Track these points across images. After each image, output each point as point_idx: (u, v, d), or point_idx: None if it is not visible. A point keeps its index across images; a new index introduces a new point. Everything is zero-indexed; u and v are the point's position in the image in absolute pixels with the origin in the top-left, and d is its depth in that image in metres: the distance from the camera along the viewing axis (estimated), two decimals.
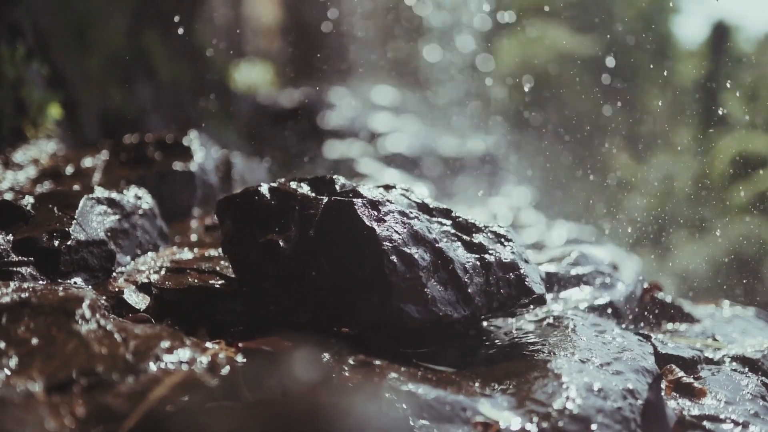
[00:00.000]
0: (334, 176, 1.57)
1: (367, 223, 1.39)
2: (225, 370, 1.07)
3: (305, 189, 1.54)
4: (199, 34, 8.16)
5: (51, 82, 4.25)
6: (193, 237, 2.09)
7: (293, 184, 1.55)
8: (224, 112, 7.15)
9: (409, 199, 1.56)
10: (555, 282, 1.84)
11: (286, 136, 6.89)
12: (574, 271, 1.88)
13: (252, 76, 9.27)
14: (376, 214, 1.43)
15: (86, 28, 5.32)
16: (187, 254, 1.82)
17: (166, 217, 2.21)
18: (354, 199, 1.44)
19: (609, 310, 1.77)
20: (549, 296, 1.80)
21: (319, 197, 1.50)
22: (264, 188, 1.55)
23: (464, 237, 1.51)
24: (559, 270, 1.87)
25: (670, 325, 1.99)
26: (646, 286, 2.13)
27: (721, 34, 19.87)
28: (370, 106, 8.46)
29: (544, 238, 3.81)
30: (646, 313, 1.98)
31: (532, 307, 1.53)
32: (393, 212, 1.44)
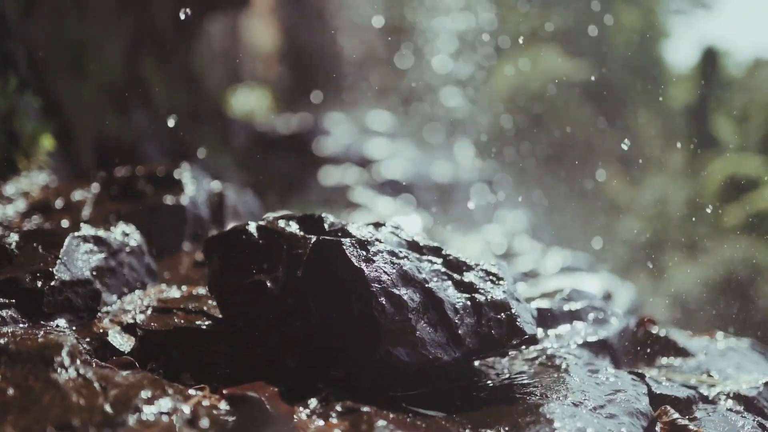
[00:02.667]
0: (323, 214, 1.55)
1: (356, 264, 1.37)
2: (205, 423, 1.04)
3: (293, 228, 1.52)
4: (197, 61, 8.22)
5: (46, 110, 4.25)
6: (182, 273, 2.07)
7: (281, 223, 1.54)
8: (221, 139, 7.16)
9: (399, 237, 1.54)
10: (548, 318, 1.82)
11: (282, 163, 6.90)
12: (567, 307, 1.86)
13: (249, 102, 9.32)
14: (364, 254, 1.41)
15: (82, 56, 5.35)
16: (174, 292, 1.80)
17: (156, 252, 2.19)
18: (342, 239, 1.42)
19: (602, 347, 1.75)
20: (541, 332, 1.78)
21: (307, 236, 1.48)
22: (252, 227, 1.53)
23: (454, 276, 1.49)
24: (551, 306, 1.85)
25: (664, 360, 1.97)
26: (640, 320, 2.10)
27: (710, 59, 20.12)
28: (366, 131, 8.49)
29: (538, 266, 3.79)
30: (639, 348, 1.96)
31: (524, 347, 1.50)
32: (382, 252, 1.43)
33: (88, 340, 1.55)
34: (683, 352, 1.99)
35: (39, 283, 1.57)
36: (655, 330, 2.07)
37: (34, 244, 1.71)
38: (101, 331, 1.59)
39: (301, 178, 6.13)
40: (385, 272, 1.38)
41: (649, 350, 1.97)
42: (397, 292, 1.35)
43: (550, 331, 1.78)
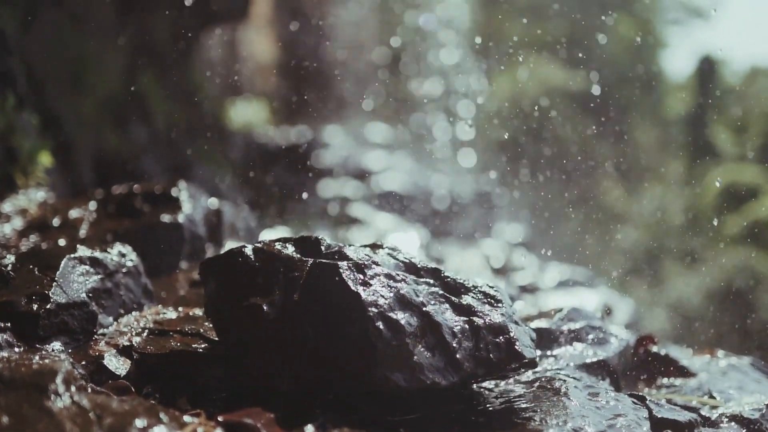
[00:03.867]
0: (320, 237, 1.54)
1: (353, 288, 1.36)
2: None
3: (290, 250, 1.52)
4: (195, 75, 8.24)
5: (45, 125, 4.25)
6: (179, 293, 2.06)
7: (278, 245, 1.53)
8: (219, 152, 7.17)
9: (397, 259, 1.53)
10: (547, 338, 1.81)
11: (280, 175, 6.90)
12: (566, 327, 1.85)
13: (247, 115, 9.33)
14: (361, 277, 1.40)
15: (81, 71, 5.36)
16: (171, 314, 1.79)
17: (153, 271, 2.18)
18: (339, 263, 1.42)
19: (602, 369, 1.73)
20: (540, 353, 1.77)
21: (304, 259, 1.47)
22: (248, 249, 1.52)
23: (453, 298, 1.48)
24: (550, 326, 1.83)
25: (665, 380, 1.95)
26: (639, 338, 2.09)
27: (708, 68, 20.21)
28: (364, 143, 8.51)
29: (536, 279, 3.78)
30: (640, 368, 1.94)
31: (522, 370, 1.49)
32: (379, 275, 1.42)
33: (83, 363, 1.54)
34: (684, 372, 1.98)
35: (35, 306, 1.56)
36: (655, 349, 2.06)
37: (30, 266, 1.70)
38: (97, 354, 1.58)
39: (299, 191, 6.13)
40: (382, 296, 1.37)
41: (649, 370, 1.95)
42: (395, 317, 1.35)
43: (550, 352, 1.77)
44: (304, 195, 6.01)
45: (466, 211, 6.75)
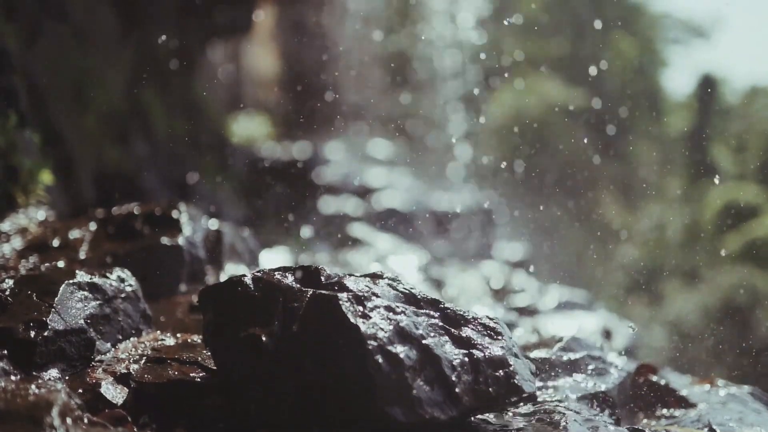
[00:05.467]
0: (320, 267, 1.54)
1: (352, 321, 1.36)
2: None
3: (290, 280, 1.51)
4: (197, 89, 8.28)
5: (47, 141, 4.26)
6: (178, 317, 2.05)
7: (278, 275, 1.53)
8: (221, 167, 7.18)
9: (397, 290, 1.53)
10: (546, 369, 1.80)
11: (281, 191, 6.91)
12: (565, 357, 1.84)
13: (250, 130, 9.36)
14: (361, 309, 1.40)
15: (83, 86, 5.38)
16: (169, 340, 1.78)
17: (152, 294, 2.17)
18: (339, 294, 1.41)
19: (602, 400, 1.72)
20: (540, 384, 1.76)
21: (304, 290, 1.47)
22: (248, 279, 1.52)
23: (452, 330, 1.47)
24: (550, 356, 1.83)
25: (665, 411, 1.94)
26: (639, 367, 2.08)
27: (708, 87, 20.30)
28: (365, 159, 8.53)
29: (535, 301, 3.77)
30: (639, 398, 1.93)
31: (522, 404, 1.48)
32: (379, 307, 1.42)
33: (80, 391, 1.53)
34: (684, 402, 1.96)
35: (32, 334, 1.55)
36: (654, 378, 2.05)
37: (29, 292, 1.70)
38: (94, 381, 1.57)
39: (299, 208, 6.13)
40: (381, 329, 1.37)
41: (649, 400, 1.94)
42: (394, 350, 1.34)
43: (549, 383, 1.76)
44: (305, 212, 6.02)
45: (466, 230, 6.75)
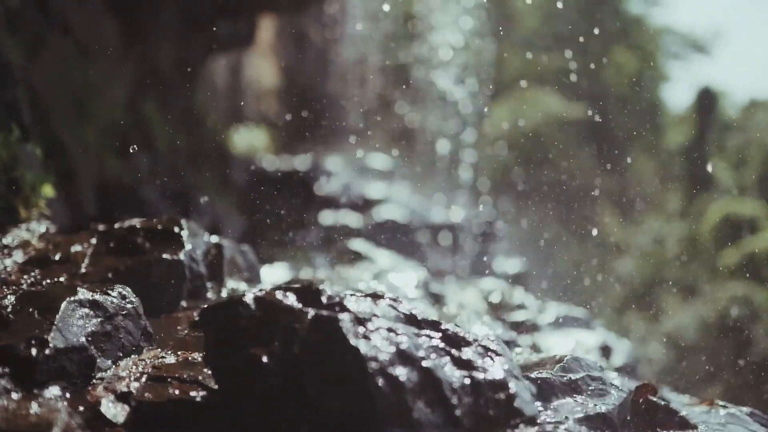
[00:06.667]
0: (321, 287, 1.55)
1: (353, 343, 1.36)
2: None
3: (291, 300, 1.52)
4: (199, 101, 8.32)
5: (49, 153, 4.28)
6: (179, 334, 2.05)
7: (279, 295, 1.53)
8: (221, 179, 7.20)
9: (398, 311, 1.54)
10: (546, 390, 1.80)
11: (282, 204, 6.92)
12: (565, 378, 1.84)
13: (250, 142, 9.39)
14: (362, 331, 1.40)
15: (86, 99, 5.41)
16: (170, 358, 1.78)
17: (153, 310, 2.18)
18: (340, 315, 1.42)
19: (602, 422, 1.72)
20: (539, 405, 1.76)
21: (305, 310, 1.47)
22: (248, 298, 1.53)
23: (453, 352, 1.48)
24: (550, 377, 1.82)
25: None
26: (639, 387, 2.08)
27: (708, 101, 20.37)
28: (365, 172, 8.55)
29: (535, 316, 3.77)
30: (639, 419, 1.93)
31: (522, 425, 1.48)
32: (380, 329, 1.42)
33: (81, 409, 1.53)
34: (683, 424, 1.96)
35: (33, 351, 1.56)
36: (654, 398, 2.05)
37: (30, 309, 1.70)
38: (95, 400, 1.57)
39: (299, 221, 6.14)
40: (382, 350, 1.37)
41: (649, 421, 1.94)
42: (395, 372, 1.34)
43: (549, 404, 1.76)
44: (305, 225, 6.03)
45: (465, 243, 6.76)
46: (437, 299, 3.37)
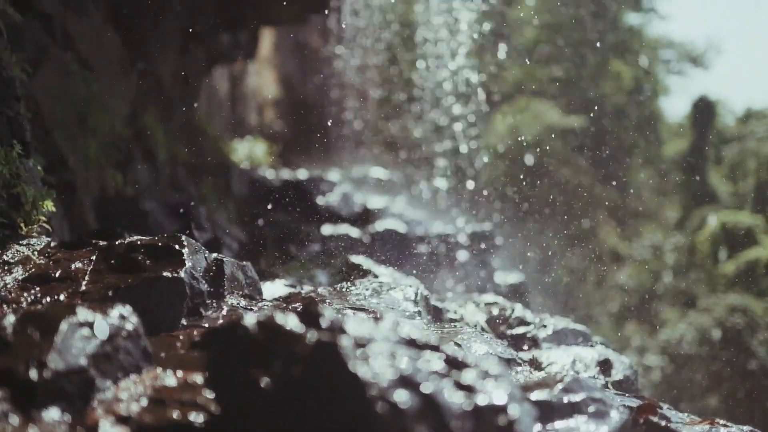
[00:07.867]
0: (321, 310, 1.55)
1: (352, 368, 1.36)
2: None
3: (292, 323, 1.52)
4: (200, 113, 8.34)
5: (51, 167, 4.28)
6: (179, 354, 2.05)
7: (279, 318, 1.53)
8: (222, 192, 7.21)
9: (398, 334, 1.53)
10: (547, 411, 1.80)
11: (282, 216, 6.92)
12: (566, 399, 1.84)
13: (250, 154, 9.41)
14: (362, 355, 1.40)
15: (87, 112, 5.43)
16: (170, 380, 1.78)
17: (153, 328, 2.17)
18: (339, 339, 1.42)
19: None
20: (540, 427, 1.76)
21: (305, 334, 1.47)
22: (250, 322, 1.53)
23: (453, 376, 1.47)
24: (550, 398, 1.82)
25: None
26: (640, 407, 2.08)
27: (706, 113, 20.44)
28: (365, 184, 8.57)
29: (534, 331, 3.77)
30: None
31: None
32: (381, 353, 1.42)
33: None
34: None
35: (33, 374, 1.55)
36: (655, 419, 2.05)
37: (29, 330, 1.70)
38: (94, 422, 1.56)
39: (299, 234, 6.15)
40: (382, 375, 1.37)
41: None
42: (395, 398, 1.34)
43: (550, 426, 1.75)
44: (305, 237, 6.03)
45: (464, 255, 6.76)
46: (437, 314, 3.37)
